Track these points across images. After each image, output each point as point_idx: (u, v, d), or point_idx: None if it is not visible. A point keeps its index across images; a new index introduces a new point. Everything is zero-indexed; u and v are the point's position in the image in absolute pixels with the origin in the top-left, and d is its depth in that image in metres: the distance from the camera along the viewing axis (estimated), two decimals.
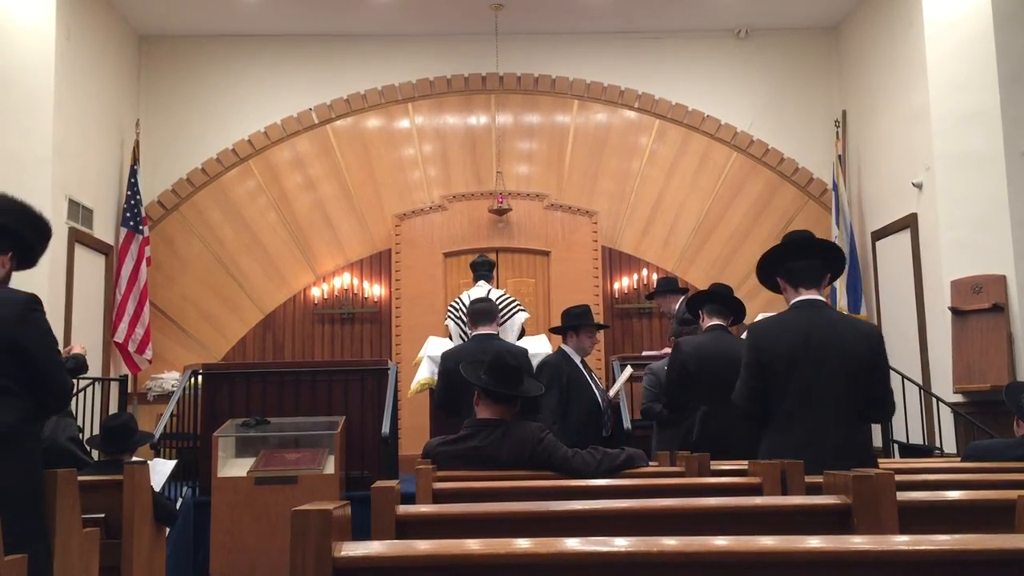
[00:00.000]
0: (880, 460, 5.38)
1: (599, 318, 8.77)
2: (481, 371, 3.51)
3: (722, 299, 4.94)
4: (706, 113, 9.73)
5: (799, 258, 3.45)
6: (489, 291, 6.37)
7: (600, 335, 8.83)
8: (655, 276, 9.04)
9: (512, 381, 3.46)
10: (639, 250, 9.61)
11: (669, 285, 6.64)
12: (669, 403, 4.99)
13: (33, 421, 2.82)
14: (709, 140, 9.71)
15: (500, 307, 6.36)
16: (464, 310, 6.24)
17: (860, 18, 9.28)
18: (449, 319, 6.38)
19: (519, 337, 6.33)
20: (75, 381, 6.64)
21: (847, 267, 8.84)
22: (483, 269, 6.61)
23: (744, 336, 3.66)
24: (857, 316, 8.41)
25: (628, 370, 5.89)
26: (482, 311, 5.21)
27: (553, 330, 5.70)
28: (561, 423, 5.02)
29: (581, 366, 5.38)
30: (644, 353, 7.81)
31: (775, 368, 3.31)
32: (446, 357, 5.19)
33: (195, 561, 5.58)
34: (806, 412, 3.25)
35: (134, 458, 4.53)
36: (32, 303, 2.83)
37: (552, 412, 5.02)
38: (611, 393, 5.67)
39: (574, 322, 5.31)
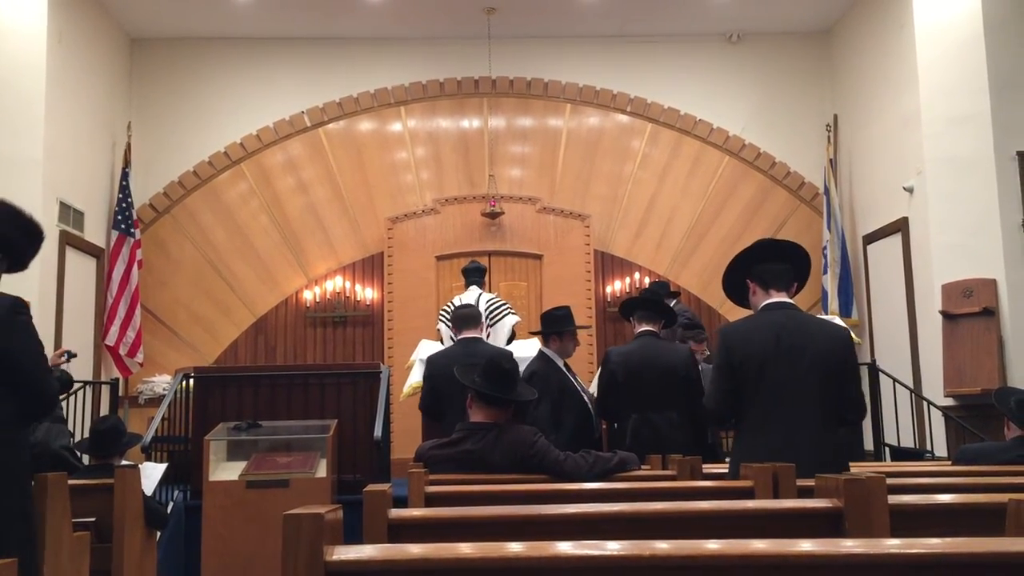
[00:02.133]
0: (871, 463, 5.40)
1: (591, 321, 8.78)
2: (475, 374, 3.51)
3: (651, 305, 5.00)
4: (698, 117, 9.75)
5: (771, 261, 3.44)
6: (480, 295, 6.35)
7: (593, 339, 8.86)
8: (647, 279, 9.06)
9: (506, 385, 3.46)
10: (631, 253, 9.62)
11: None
12: (602, 412, 5.06)
13: (16, 427, 2.80)
14: (701, 144, 9.73)
15: (490, 310, 6.36)
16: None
17: (851, 22, 9.31)
18: (441, 323, 6.37)
19: (509, 340, 6.31)
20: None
21: (839, 271, 8.86)
22: (474, 276, 6.58)
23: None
24: (848, 320, 8.43)
25: None
26: (466, 316, 5.20)
27: (535, 334, 5.59)
28: (555, 433, 4.98)
29: (565, 370, 5.33)
30: None
31: (747, 370, 3.27)
32: (431, 361, 5.15)
33: (186, 565, 5.56)
34: (780, 413, 3.22)
35: (124, 462, 4.51)
36: (18, 307, 2.81)
37: (546, 423, 4.97)
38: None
39: (557, 327, 5.17)
